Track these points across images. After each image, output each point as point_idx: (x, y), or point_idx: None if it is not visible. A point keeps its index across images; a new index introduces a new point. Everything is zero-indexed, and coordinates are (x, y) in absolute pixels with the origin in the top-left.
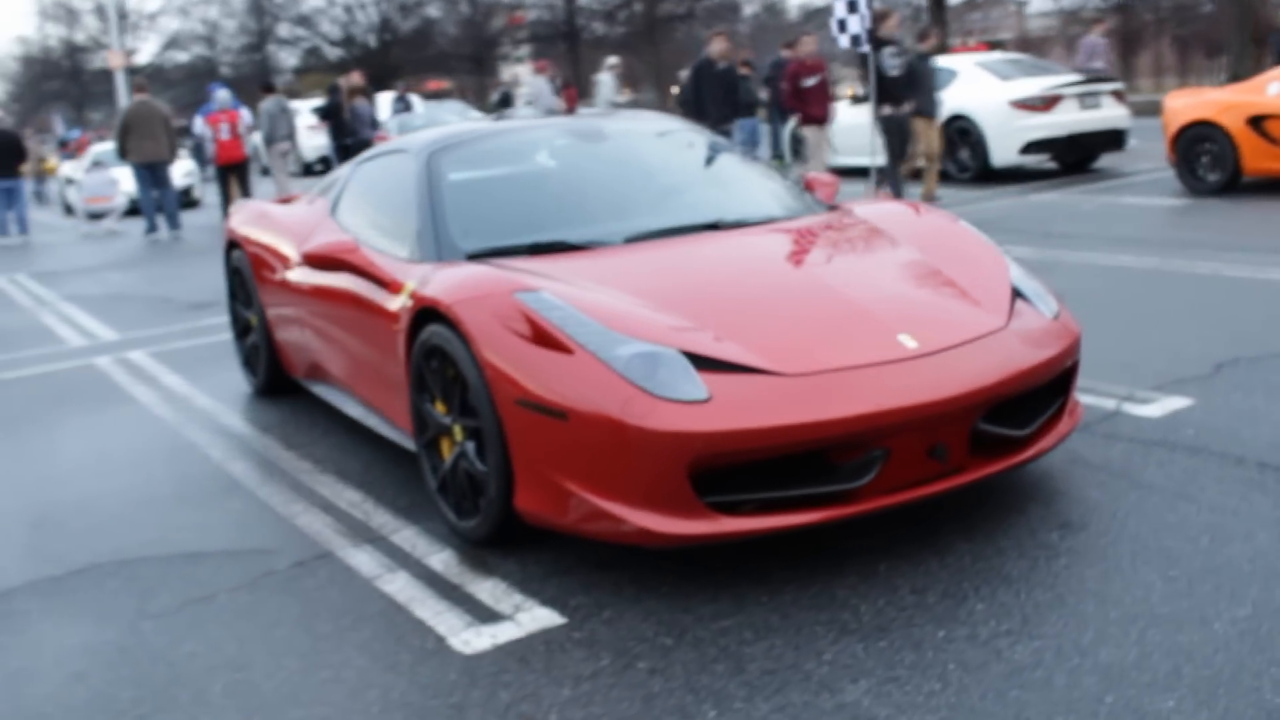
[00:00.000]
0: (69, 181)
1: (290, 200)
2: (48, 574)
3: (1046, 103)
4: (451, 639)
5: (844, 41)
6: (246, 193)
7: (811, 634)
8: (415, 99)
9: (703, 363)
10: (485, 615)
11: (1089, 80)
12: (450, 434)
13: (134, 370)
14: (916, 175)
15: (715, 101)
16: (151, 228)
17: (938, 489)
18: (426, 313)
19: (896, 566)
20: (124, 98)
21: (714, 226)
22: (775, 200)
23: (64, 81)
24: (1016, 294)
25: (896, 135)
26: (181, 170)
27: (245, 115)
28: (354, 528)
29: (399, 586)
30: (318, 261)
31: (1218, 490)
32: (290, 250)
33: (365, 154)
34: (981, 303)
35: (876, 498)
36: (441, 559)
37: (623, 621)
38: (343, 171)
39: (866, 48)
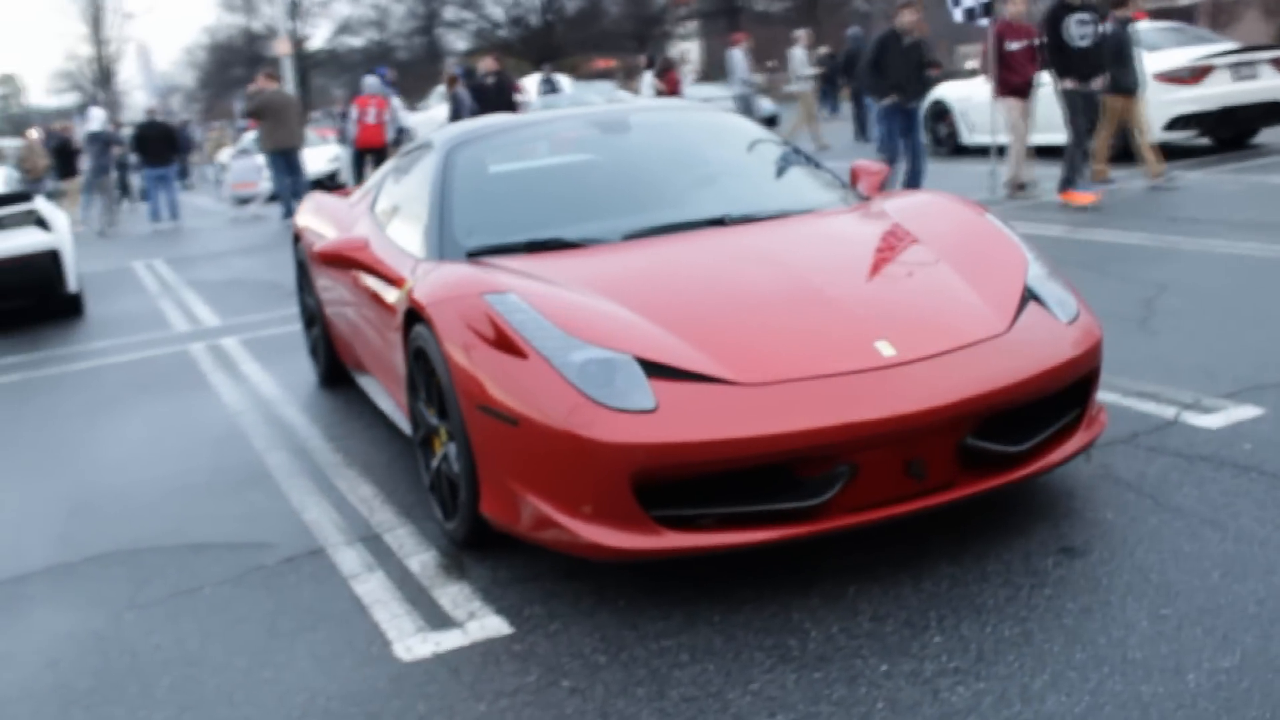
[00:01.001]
0: (223, 168)
1: (349, 193)
2: (65, 560)
3: (1195, 74)
4: (396, 645)
5: (957, 15)
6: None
7: (749, 660)
8: (563, 79)
9: (659, 370)
10: (439, 621)
11: (1246, 49)
12: (439, 434)
13: (220, 357)
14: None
15: (904, 77)
16: (288, 213)
17: (914, 508)
18: (413, 313)
19: (867, 589)
20: (291, 85)
21: (719, 222)
22: (796, 194)
23: (244, 68)
24: (1031, 296)
25: (1082, 114)
26: (328, 155)
27: (396, 103)
28: (354, 524)
29: (371, 587)
30: (326, 259)
31: (1253, 517)
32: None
33: (407, 146)
34: (985, 306)
35: (840, 516)
36: (421, 560)
37: (566, 635)
38: (388, 164)
39: (984, 21)
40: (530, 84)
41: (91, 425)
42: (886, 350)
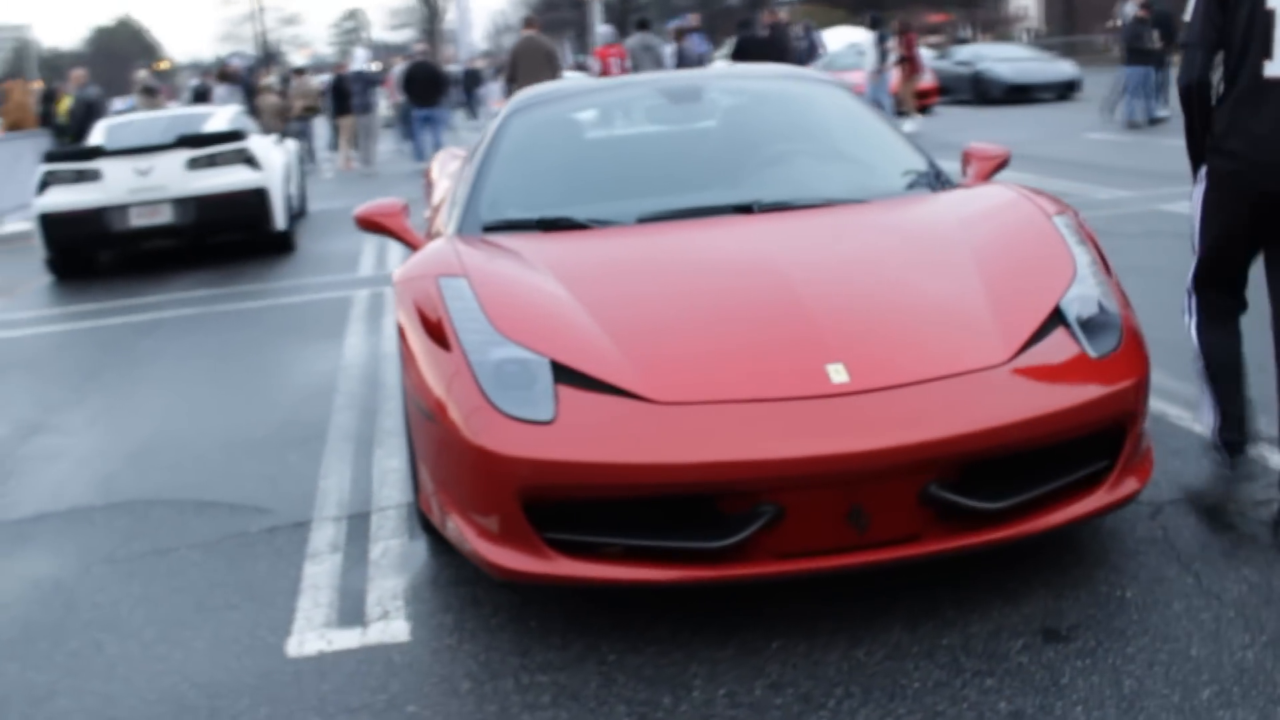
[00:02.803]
0: None
1: None
2: (87, 504)
3: None
4: (294, 638)
5: None
6: None
7: (609, 712)
8: (821, 35)
9: (573, 377)
10: (351, 618)
11: None
12: None
13: (375, 307)
14: None
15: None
16: None
17: (858, 561)
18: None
19: (792, 646)
20: (598, 28)
21: (747, 209)
22: (855, 180)
23: (569, 10)
24: (1060, 320)
25: None
26: None
27: (666, 51)
28: (357, 499)
29: (319, 570)
30: (361, 223)
31: None
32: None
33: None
34: (993, 328)
35: (764, 563)
36: (385, 546)
37: (453, 652)
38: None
39: None
40: (840, 38)
41: (213, 367)
42: (838, 376)
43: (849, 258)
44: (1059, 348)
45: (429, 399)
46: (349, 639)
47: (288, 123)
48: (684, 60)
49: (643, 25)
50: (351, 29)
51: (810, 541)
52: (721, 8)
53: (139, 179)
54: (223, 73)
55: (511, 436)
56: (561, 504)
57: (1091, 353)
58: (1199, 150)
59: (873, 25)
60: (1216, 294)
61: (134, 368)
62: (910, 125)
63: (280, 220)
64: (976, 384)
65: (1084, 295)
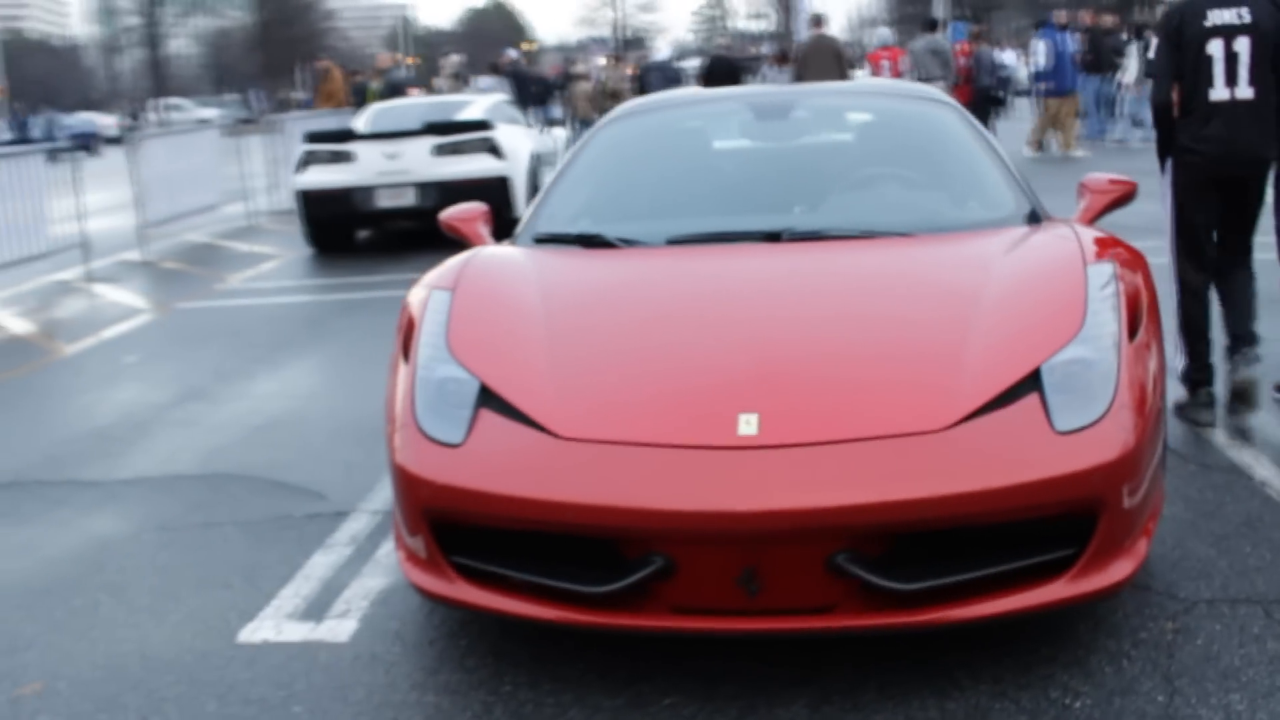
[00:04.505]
0: None
1: None
2: (182, 473)
3: None
4: (252, 624)
5: None
6: None
7: None
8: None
9: (497, 402)
10: (316, 612)
11: None
12: None
13: None
14: None
15: None
16: None
17: (751, 628)
18: None
19: (682, 704)
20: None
21: (776, 236)
22: (917, 211)
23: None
24: (1034, 385)
25: None
26: None
27: (939, 44)
28: None
29: (320, 561)
30: (442, 226)
31: None
32: None
33: None
34: (949, 388)
35: (646, 615)
36: (391, 548)
37: (373, 659)
38: None
39: None
40: None
41: (383, 351)
42: (746, 427)
43: (830, 300)
44: (1017, 416)
45: (387, 411)
46: (297, 632)
47: (601, 110)
48: (980, 67)
49: (930, 26)
50: (713, 16)
51: (704, 600)
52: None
53: (388, 162)
54: (493, 65)
55: (423, 457)
56: (470, 529)
57: (1057, 425)
58: (1165, 149)
59: (1138, 33)
60: (1192, 270)
61: (313, 345)
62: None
63: (522, 209)
64: (903, 449)
65: (1079, 357)
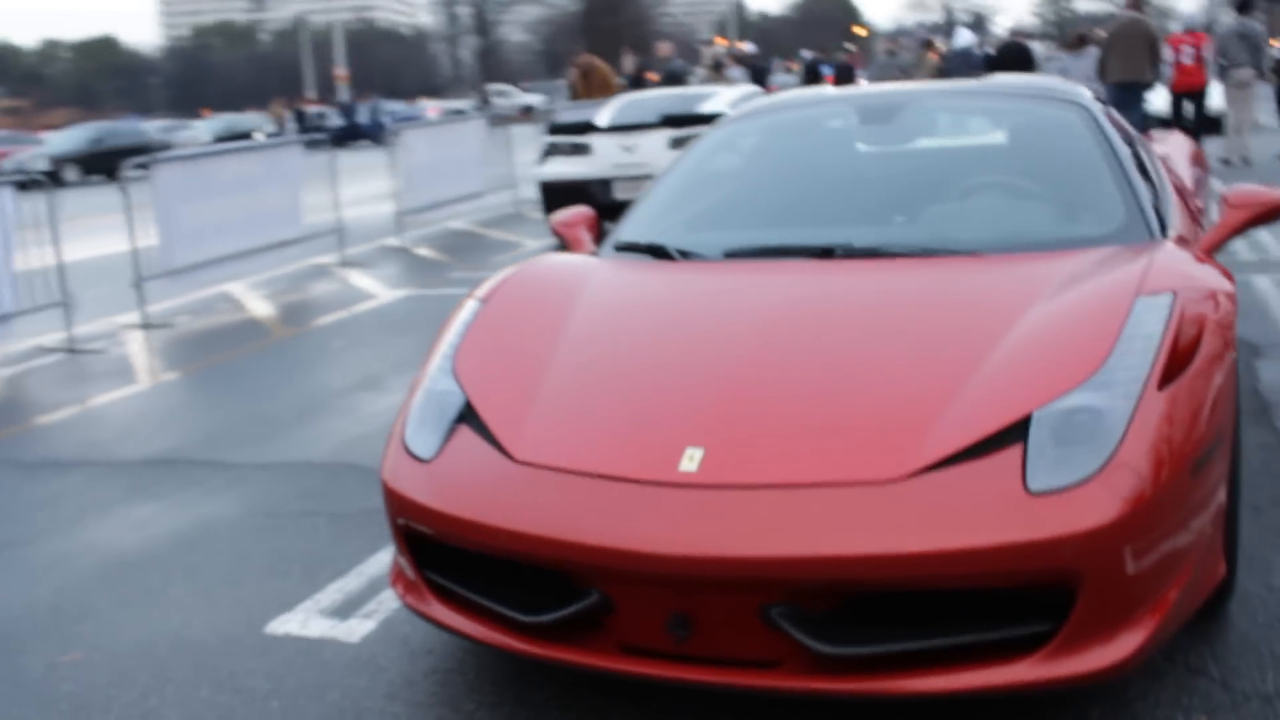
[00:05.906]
0: None
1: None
2: (314, 460)
3: None
4: (283, 616)
5: None
6: (1198, 126)
7: None
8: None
9: (475, 420)
10: (348, 609)
11: None
12: None
13: None
14: None
15: None
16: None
17: (690, 677)
18: None
19: None
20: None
21: (829, 252)
22: (993, 226)
23: None
24: (1020, 434)
25: None
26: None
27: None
28: None
29: (376, 559)
30: (552, 229)
31: None
32: None
33: None
34: (918, 434)
35: (588, 652)
36: None
37: (367, 664)
38: None
39: None
40: None
41: None
42: (688, 463)
43: (832, 329)
44: (987, 470)
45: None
46: (319, 628)
47: None
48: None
49: (1242, 7)
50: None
51: (640, 640)
52: None
53: (624, 155)
54: (737, 56)
55: (399, 469)
56: (439, 547)
57: (1030, 484)
58: None
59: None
60: None
61: None
62: None
63: None
64: (848, 500)
65: (1084, 405)
